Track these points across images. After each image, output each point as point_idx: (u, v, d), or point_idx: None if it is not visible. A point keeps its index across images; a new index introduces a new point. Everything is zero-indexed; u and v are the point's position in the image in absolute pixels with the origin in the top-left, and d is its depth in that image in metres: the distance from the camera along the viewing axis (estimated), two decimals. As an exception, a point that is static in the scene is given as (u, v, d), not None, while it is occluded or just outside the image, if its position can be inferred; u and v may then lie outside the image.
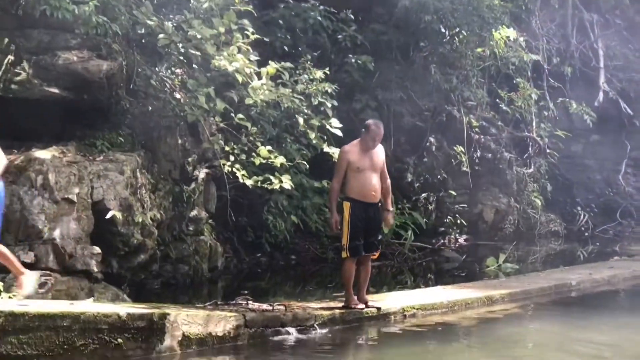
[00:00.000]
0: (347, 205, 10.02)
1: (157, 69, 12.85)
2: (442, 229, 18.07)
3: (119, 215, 10.90)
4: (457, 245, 17.90)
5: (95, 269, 10.54)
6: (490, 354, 9.15)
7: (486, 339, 9.90)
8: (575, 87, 21.52)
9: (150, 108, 12.61)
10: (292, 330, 9.42)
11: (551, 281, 13.45)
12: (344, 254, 10.03)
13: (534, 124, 19.98)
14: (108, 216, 10.82)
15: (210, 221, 13.57)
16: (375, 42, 17.14)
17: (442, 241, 17.78)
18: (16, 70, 11.28)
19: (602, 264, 15.74)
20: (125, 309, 8.48)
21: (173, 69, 13.12)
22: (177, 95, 12.84)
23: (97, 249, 10.61)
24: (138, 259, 11.50)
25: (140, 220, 11.34)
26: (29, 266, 9.89)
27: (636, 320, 10.66)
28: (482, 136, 18.94)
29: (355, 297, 10.23)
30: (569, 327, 10.30)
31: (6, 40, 11.36)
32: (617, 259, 16.63)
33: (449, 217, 18.21)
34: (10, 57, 11.35)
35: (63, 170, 10.51)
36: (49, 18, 11.18)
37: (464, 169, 18.28)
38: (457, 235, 18.23)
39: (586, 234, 20.42)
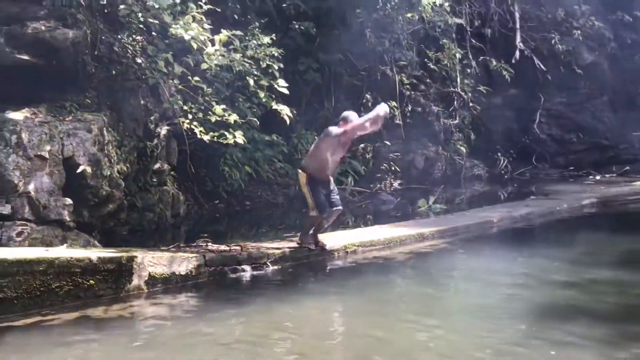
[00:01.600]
0: (303, 175, 10.01)
1: (119, 36, 12.61)
2: (379, 175, 18.10)
3: (88, 169, 10.74)
4: (392, 189, 17.95)
5: (68, 219, 10.40)
6: (423, 283, 9.20)
7: (419, 270, 9.96)
8: (494, 46, 21.60)
9: (114, 72, 12.41)
10: (247, 267, 9.42)
11: (475, 219, 13.55)
12: (313, 213, 9.98)
13: (458, 80, 20.03)
14: (78, 171, 10.65)
15: (172, 173, 13.50)
16: (316, 9, 16.99)
17: (378, 186, 17.80)
18: (-11, 40, 11.05)
19: (520, 202, 15.88)
20: (96, 253, 8.40)
21: (134, 36, 12.88)
22: (139, 60, 12.65)
23: (68, 200, 10.46)
24: (107, 209, 11.36)
25: (108, 173, 11.20)
26: (6, 217, 9.80)
27: (549, 252, 10.77)
28: (412, 92, 18.96)
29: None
30: (491, 259, 10.38)
31: (-22, 12, 11.13)
32: (533, 198, 16.80)
33: (384, 164, 18.24)
34: (-17, 28, 11.11)
35: (35, 129, 10.31)
36: (18, -10, 10.98)
37: (397, 121, 18.31)
38: (392, 180, 18.28)
39: (506, 176, 20.62)
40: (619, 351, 6.46)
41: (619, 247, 11.44)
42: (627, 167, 21.12)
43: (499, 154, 21.27)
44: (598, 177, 20.56)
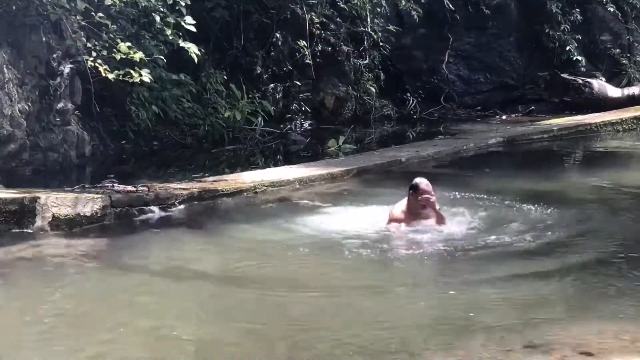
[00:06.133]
0: None
1: (19, -30, 12.24)
2: (289, 115, 18.06)
3: (-13, 108, 10.49)
4: (302, 129, 17.95)
5: (-32, 159, 10.18)
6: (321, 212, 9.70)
7: (327, 210, 10.10)
8: (404, -14, 21.57)
9: (14, 7, 11.96)
10: (155, 208, 9.38)
11: (384, 158, 13.67)
12: None
13: (368, 20, 19.95)
14: (-23, 110, 10.41)
15: (76, 112, 13.19)
16: (224, -56, 16.69)
17: (289, 126, 17.78)
18: None
19: (428, 142, 16.04)
20: (-2, 194, 8.26)
21: (35, -29, 12.51)
22: (41, -4, 12.30)
23: (-32, 141, 10.23)
24: (8, 148, 11.09)
25: (9, 112, 10.94)
26: None
27: (455, 190, 10.88)
28: (322, 31, 18.83)
29: None
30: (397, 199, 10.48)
31: None
32: (441, 138, 17.00)
33: (294, 104, 18.20)
34: None
35: None
36: None
37: (307, 61, 18.22)
38: (302, 120, 18.27)
39: (414, 116, 20.72)
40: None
41: (522, 184, 11.76)
42: (532, 107, 21.51)
43: (408, 94, 21.33)
44: (504, 117, 20.92)
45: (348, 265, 7.71)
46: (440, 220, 8.64)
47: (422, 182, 8.54)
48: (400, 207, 8.72)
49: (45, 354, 5.40)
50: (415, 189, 8.48)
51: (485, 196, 10.57)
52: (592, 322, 5.97)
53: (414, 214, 8.56)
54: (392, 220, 8.68)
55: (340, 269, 7.60)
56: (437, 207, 8.69)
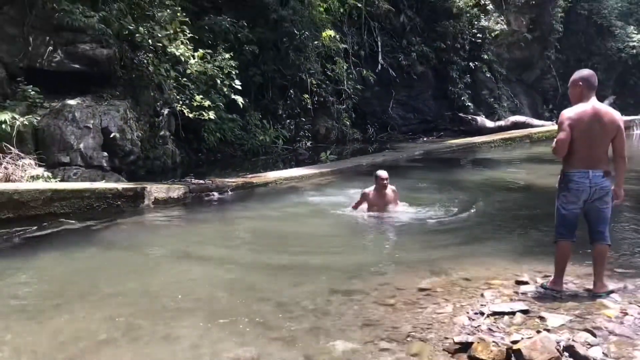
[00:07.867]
0: None
1: (137, 53, 12.16)
2: (298, 138, 17.97)
3: (117, 135, 10.41)
4: (305, 147, 17.85)
5: (105, 164, 10.09)
6: (315, 195, 9.60)
7: (315, 192, 10.10)
8: (366, 61, 21.40)
9: (134, 76, 11.92)
10: (215, 193, 9.36)
11: (353, 163, 13.63)
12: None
13: (345, 82, 19.86)
14: (111, 136, 10.34)
15: (171, 137, 13.12)
16: (259, 38, 16.58)
17: (298, 145, 17.66)
18: (53, 55, 10.55)
19: (379, 154, 15.96)
20: (122, 185, 8.28)
21: (146, 54, 12.39)
22: (150, 69, 12.22)
23: (105, 154, 10.15)
24: (130, 158, 11.02)
25: (130, 137, 10.87)
26: (67, 164, 9.48)
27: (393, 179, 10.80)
28: (317, 89, 18.72)
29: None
30: (360, 183, 10.35)
31: (47, 38, 10.61)
32: (387, 151, 16.91)
33: (301, 132, 18.12)
34: (50, 48, 10.62)
35: (84, 110, 9.98)
36: (72, 25, 10.47)
37: (309, 107, 18.15)
38: (306, 141, 18.17)
39: (372, 139, 20.63)
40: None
41: (435, 177, 11.72)
42: (442, 133, 21.44)
43: (369, 126, 21.23)
44: (425, 139, 20.85)
45: (327, 225, 7.69)
46: (395, 199, 8.27)
47: (380, 171, 8.21)
48: (370, 188, 8.39)
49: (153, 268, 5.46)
50: (376, 176, 8.20)
51: (416, 185, 10.54)
52: (475, 259, 5.95)
53: (378, 192, 8.19)
54: (363, 194, 8.26)
55: (323, 228, 7.58)
56: (392, 188, 8.24)
